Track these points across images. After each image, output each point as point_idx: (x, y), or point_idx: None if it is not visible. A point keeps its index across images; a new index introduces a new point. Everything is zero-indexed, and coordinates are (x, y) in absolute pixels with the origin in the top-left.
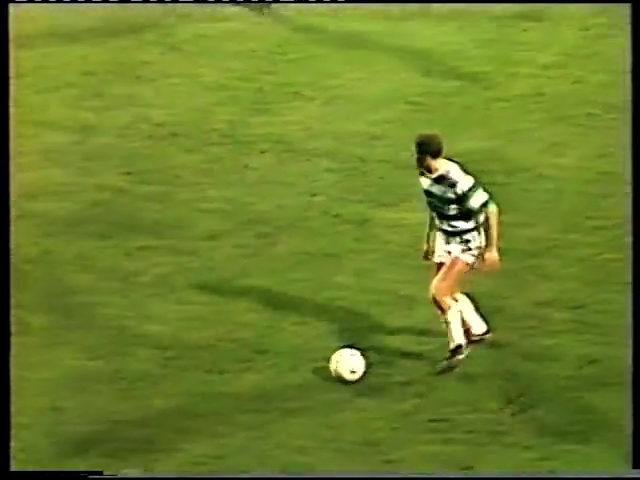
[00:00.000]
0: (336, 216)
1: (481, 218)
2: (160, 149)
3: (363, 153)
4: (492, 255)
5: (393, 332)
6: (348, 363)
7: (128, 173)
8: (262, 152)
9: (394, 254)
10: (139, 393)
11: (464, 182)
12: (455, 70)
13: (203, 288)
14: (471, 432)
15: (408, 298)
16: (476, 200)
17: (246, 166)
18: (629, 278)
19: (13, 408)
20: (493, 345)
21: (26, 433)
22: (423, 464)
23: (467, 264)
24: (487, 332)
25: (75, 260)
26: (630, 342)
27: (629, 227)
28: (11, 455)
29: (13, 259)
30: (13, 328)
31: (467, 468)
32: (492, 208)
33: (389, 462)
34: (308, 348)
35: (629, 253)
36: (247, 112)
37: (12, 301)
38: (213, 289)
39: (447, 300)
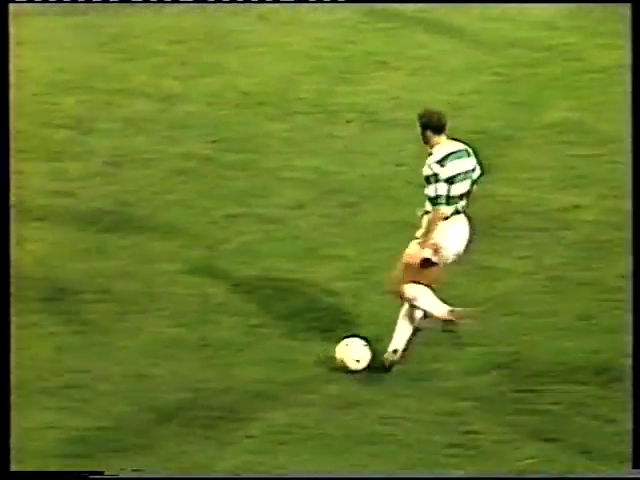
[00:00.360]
0: (420, 186)
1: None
2: (246, 117)
3: (449, 123)
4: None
5: (478, 303)
6: (355, 352)
7: (214, 141)
8: (347, 121)
9: (480, 224)
10: (223, 361)
11: (433, 167)
12: (542, 41)
13: (288, 257)
14: (557, 403)
15: (492, 269)
16: (429, 191)
17: (331, 135)
18: None
19: (93, 375)
20: (581, 318)
21: (108, 400)
22: (506, 434)
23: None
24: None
25: (159, 227)
26: None
27: None
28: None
29: (95, 228)
30: (95, 296)
31: (551, 440)
32: (438, 210)
33: (471, 432)
34: (393, 318)
35: None
36: (333, 81)
37: (94, 268)
38: (298, 258)
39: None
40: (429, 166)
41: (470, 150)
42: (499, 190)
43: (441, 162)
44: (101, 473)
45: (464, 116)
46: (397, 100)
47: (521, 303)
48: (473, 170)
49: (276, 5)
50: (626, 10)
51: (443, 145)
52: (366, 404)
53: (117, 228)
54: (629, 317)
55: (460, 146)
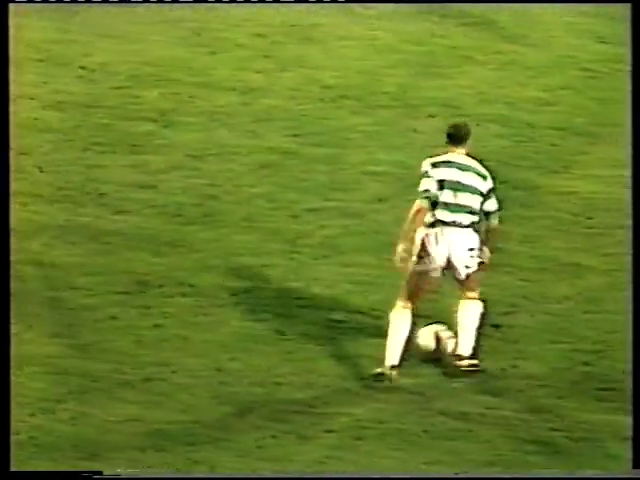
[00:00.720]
0: (504, 182)
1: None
2: (329, 111)
3: (534, 119)
4: None
5: (560, 300)
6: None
7: (296, 135)
8: (430, 116)
9: (563, 221)
10: (302, 355)
11: (425, 165)
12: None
13: (370, 251)
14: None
15: (575, 266)
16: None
17: (414, 129)
18: None
19: (173, 368)
20: None
21: (187, 393)
22: (586, 433)
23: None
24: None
25: (242, 222)
26: None
27: None
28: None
29: (171, 220)
30: (175, 289)
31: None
32: (419, 203)
33: (554, 430)
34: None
35: None
36: (417, 75)
37: (172, 262)
38: (378, 252)
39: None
40: (425, 163)
41: (482, 171)
42: (582, 187)
43: (435, 164)
44: (100, 473)
45: (548, 112)
46: (482, 95)
47: (604, 300)
48: (475, 186)
49: None
50: (626, 10)
51: (452, 154)
52: (445, 398)
53: (198, 221)
54: None
55: (469, 162)
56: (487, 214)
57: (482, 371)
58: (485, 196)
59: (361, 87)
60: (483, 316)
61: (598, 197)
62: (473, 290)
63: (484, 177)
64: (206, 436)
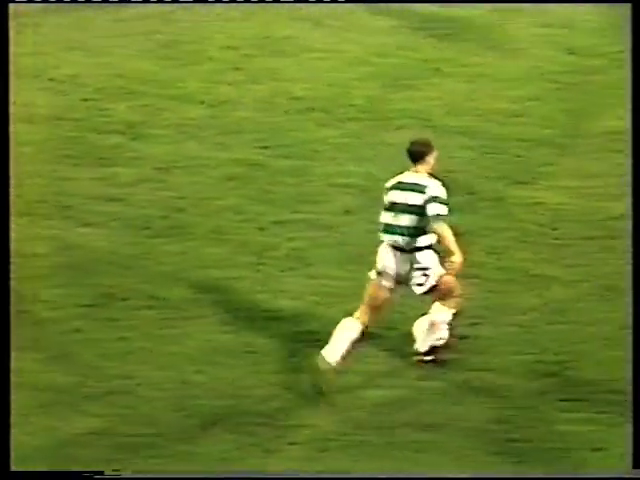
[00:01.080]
0: (472, 193)
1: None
2: (298, 123)
3: (502, 131)
4: None
5: (525, 311)
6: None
7: (265, 147)
8: (399, 128)
9: (529, 233)
10: (269, 368)
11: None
12: (598, 48)
13: (337, 263)
14: (603, 412)
15: (541, 277)
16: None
17: (383, 142)
18: None
19: (137, 381)
20: (626, 327)
21: (152, 406)
22: (551, 443)
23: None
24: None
25: (209, 234)
26: None
27: None
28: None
29: (138, 233)
30: (141, 302)
31: (599, 449)
32: None
33: (519, 441)
34: None
35: None
36: (386, 88)
37: (139, 275)
38: (346, 264)
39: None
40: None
41: (421, 186)
42: (549, 199)
43: (389, 187)
44: (101, 473)
45: (516, 123)
46: (450, 107)
47: (569, 311)
48: (415, 204)
49: (331, 11)
50: (626, 10)
51: (406, 174)
52: (413, 410)
53: (165, 234)
54: None
55: (415, 180)
56: (431, 218)
57: (438, 364)
58: (424, 205)
59: (330, 99)
60: (451, 326)
61: (565, 208)
62: (443, 299)
63: (422, 191)
64: (170, 449)
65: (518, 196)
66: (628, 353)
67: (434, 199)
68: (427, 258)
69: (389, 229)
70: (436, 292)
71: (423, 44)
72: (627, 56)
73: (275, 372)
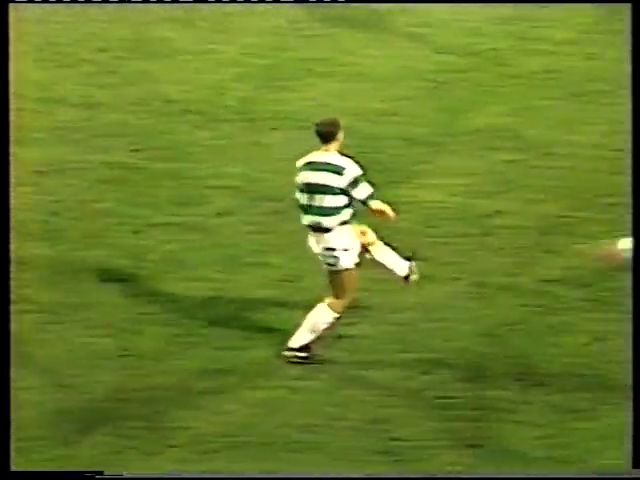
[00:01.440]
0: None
1: None
2: (172, 126)
3: (376, 130)
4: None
5: (402, 310)
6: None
7: (138, 150)
8: (274, 129)
9: (404, 231)
10: (145, 371)
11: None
12: (470, 47)
13: (214, 265)
14: (478, 409)
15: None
16: None
17: (258, 143)
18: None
19: (17, 385)
20: (503, 324)
21: (29, 410)
22: (429, 441)
23: None
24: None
25: (84, 238)
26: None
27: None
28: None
29: (17, 237)
30: (17, 306)
31: (474, 446)
32: None
33: (397, 439)
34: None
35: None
36: (260, 89)
37: (16, 279)
38: (224, 266)
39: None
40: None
41: (338, 167)
42: (424, 196)
43: (300, 167)
44: (101, 473)
45: (391, 122)
46: (325, 107)
47: (444, 309)
48: (330, 185)
49: (203, 12)
50: (626, 10)
51: (316, 154)
52: (288, 411)
53: (42, 237)
54: (552, 321)
55: (328, 160)
56: (362, 202)
57: (314, 362)
58: (348, 189)
59: (204, 101)
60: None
61: (439, 206)
62: (335, 297)
63: (339, 172)
64: (50, 453)
65: (393, 195)
66: (507, 350)
67: (357, 181)
68: (338, 238)
69: (307, 210)
70: (335, 284)
71: (296, 45)
72: (627, 56)
73: (151, 375)
